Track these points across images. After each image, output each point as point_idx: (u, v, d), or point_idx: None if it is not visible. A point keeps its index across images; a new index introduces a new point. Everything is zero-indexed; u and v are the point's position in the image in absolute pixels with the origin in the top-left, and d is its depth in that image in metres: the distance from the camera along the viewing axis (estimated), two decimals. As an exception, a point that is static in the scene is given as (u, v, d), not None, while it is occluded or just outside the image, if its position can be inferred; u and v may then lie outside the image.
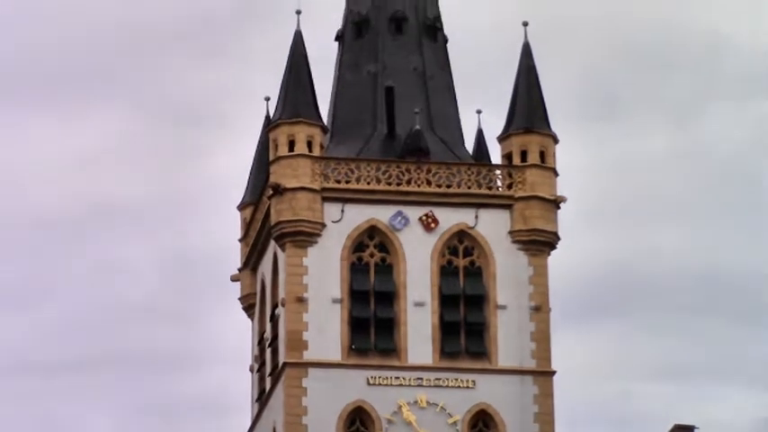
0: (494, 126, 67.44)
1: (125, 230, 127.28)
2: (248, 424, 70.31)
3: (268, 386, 65.89)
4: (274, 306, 65.53)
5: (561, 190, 65.44)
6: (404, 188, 64.37)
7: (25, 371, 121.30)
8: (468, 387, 62.74)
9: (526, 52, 66.83)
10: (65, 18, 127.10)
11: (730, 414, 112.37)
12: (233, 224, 74.71)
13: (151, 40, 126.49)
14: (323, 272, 63.24)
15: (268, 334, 67.16)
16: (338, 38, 70.42)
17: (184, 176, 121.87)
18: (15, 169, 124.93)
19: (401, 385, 62.32)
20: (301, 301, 62.48)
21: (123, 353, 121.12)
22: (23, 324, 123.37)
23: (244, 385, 72.80)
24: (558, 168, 65.75)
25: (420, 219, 64.18)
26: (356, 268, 63.98)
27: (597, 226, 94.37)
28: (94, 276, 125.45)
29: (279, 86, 66.19)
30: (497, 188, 65.20)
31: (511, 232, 64.13)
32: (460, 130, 69.39)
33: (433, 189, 64.60)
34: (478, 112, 70.18)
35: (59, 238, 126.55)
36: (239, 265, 72.87)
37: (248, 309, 71.76)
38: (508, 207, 64.42)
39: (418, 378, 62.53)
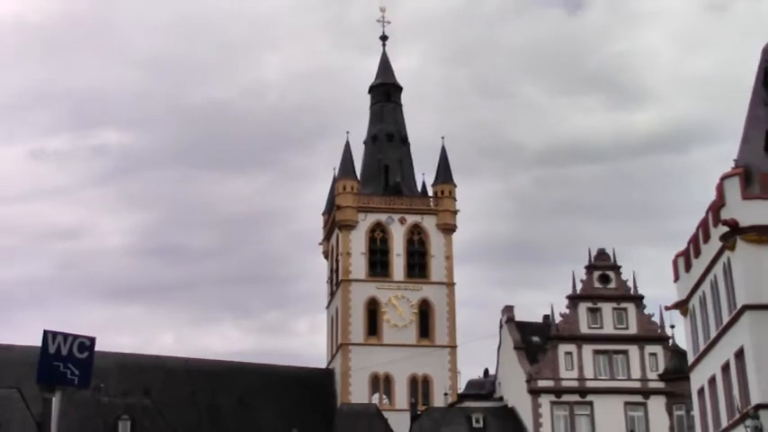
0: (429, 179, 71.98)
1: (270, 230, 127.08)
2: (325, 304, 73.17)
3: (334, 290, 70.28)
4: (337, 256, 69.68)
5: (458, 206, 70.43)
6: (391, 206, 69.30)
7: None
8: (419, 290, 67.62)
9: (443, 150, 70.97)
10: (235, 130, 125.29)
11: (531, 298, 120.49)
12: (319, 221, 76.66)
13: (277, 138, 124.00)
14: (357, 241, 68.02)
15: (334, 267, 71.04)
16: (364, 143, 73.58)
17: (298, 198, 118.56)
18: (210, 199, 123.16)
19: (390, 289, 67.22)
20: (348, 253, 67.60)
21: (269, 275, 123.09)
22: (224, 267, 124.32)
23: (323, 290, 74.83)
24: (457, 197, 70.47)
25: (398, 219, 69.04)
26: (371, 239, 68.42)
27: (473, 221, 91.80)
28: (254, 246, 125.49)
29: (339, 163, 70.59)
30: (431, 206, 69.90)
31: (437, 225, 69.09)
32: (415, 182, 72.69)
33: (404, 206, 69.47)
34: (422, 174, 73.55)
35: (233, 230, 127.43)
36: (322, 237, 75.13)
37: (326, 257, 74.18)
38: (435, 214, 69.40)
39: (398, 286, 67.41)
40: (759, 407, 25.08)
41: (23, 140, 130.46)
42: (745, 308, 26.13)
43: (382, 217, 69.24)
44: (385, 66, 75.81)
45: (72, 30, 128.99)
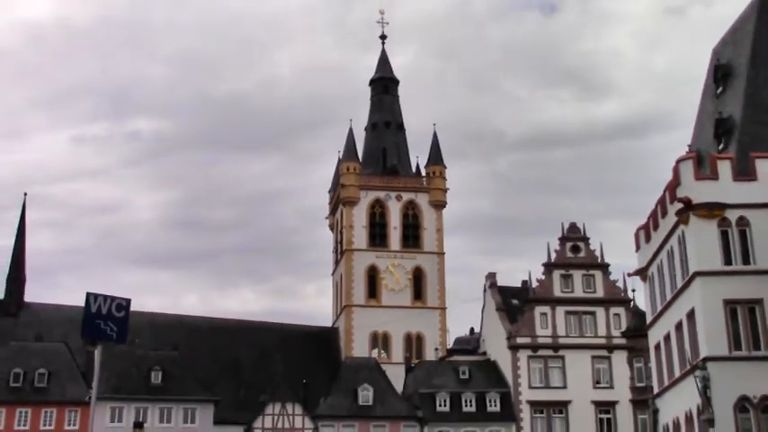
0: (422, 162, 71.45)
1: (282, 205, 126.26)
2: (330, 271, 72.93)
3: (338, 258, 70.02)
4: (341, 228, 69.34)
5: (448, 185, 70.12)
6: (389, 185, 68.98)
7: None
8: (413, 259, 67.45)
9: (435, 136, 70.76)
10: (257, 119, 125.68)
11: (511, 266, 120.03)
12: (325, 197, 76.62)
13: (288, 125, 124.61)
14: (359, 216, 67.77)
15: (339, 239, 70.86)
16: (365, 129, 73.29)
17: (306, 178, 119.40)
18: (230, 178, 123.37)
19: (387, 257, 67.08)
20: (351, 226, 67.32)
21: (281, 245, 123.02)
22: (242, 238, 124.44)
23: (328, 258, 74.51)
24: (447, 177, 70.17)
25: (395, 196, 68.80)
26: (371, 214, 68.15)
27: (461, 198, 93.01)
28: (269, 220, 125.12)
29: (343, 147, 70.12)
30: (424, 185, 69.53)
31: (429, 201, 68.85)
32: (410, 164, 72.33)
33: (400, 185, 69.16)
34: (417, 157, 73.23)
35: (250, 206, 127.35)
36: (328, 212, 75.02)
37: (331, 229, 74.00)
38: (428, 192, 69.19)
39: (394, 255, 67.22)
40: (707, 359, 25.33)
41: (66, 128, 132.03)
42: (696, 274, 26.27)
43: (381, 194, 69.06)
44: (384, 61, 75.31)
45: (109, 30, 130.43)
